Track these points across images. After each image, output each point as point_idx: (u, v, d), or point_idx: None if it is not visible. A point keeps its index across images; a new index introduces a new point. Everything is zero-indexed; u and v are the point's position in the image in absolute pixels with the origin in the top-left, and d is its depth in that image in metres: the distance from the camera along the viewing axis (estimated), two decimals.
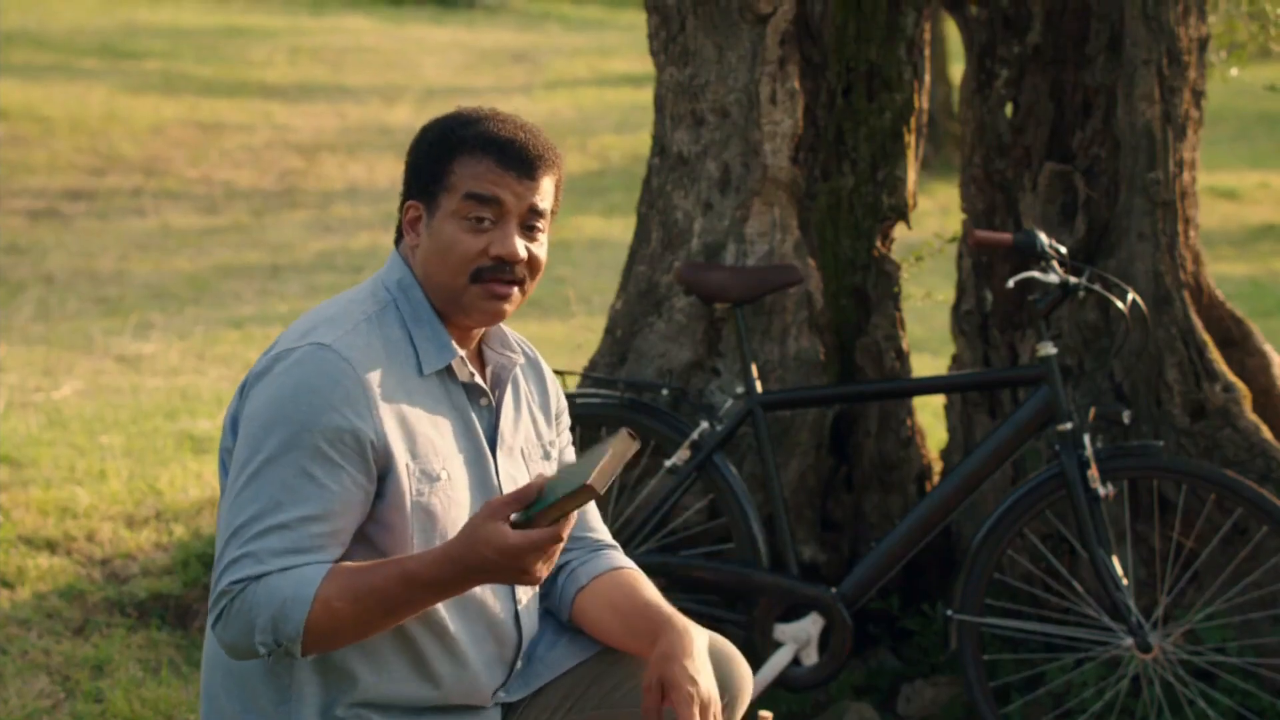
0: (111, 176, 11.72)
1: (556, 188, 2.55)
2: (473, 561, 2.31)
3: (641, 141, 5.45)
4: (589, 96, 15.84)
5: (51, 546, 4.60)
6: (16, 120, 12.79)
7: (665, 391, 4.05)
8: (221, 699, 2.50)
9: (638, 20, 17.41)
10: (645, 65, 5.08)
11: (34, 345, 7.38)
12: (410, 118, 14.40)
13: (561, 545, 2.32)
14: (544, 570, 2.33)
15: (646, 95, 4.79)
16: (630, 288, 4.27)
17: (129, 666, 4.05)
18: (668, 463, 3.95)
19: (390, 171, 12.59)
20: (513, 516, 2.29)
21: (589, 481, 2.21)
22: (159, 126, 13.11)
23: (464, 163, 2.48)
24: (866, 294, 4.28)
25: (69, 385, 6.59)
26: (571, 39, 19.90)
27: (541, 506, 2.28)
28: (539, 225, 2.51)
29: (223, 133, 13.19)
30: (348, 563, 2.38)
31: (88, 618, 4.28)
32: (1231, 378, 4.12)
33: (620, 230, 9.66)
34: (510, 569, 2.31)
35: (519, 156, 2.48)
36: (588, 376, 4.16)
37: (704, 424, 3.94)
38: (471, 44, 18.78)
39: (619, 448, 2.27)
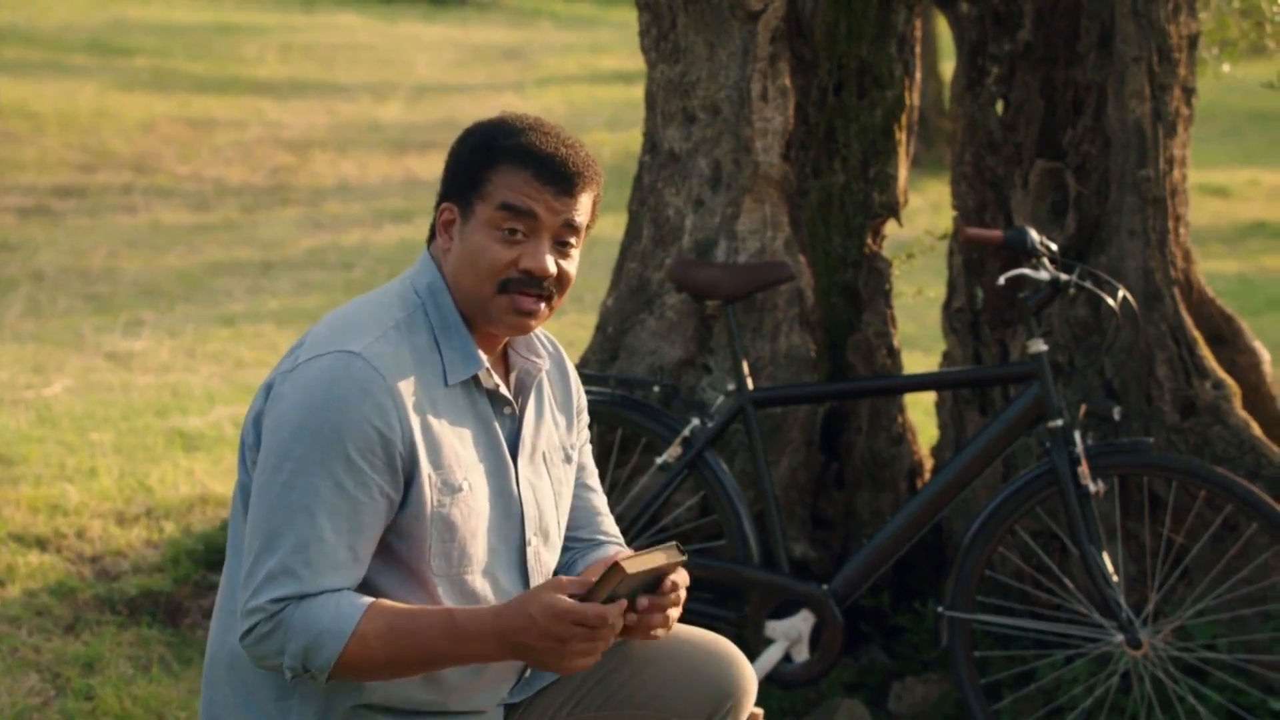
0: (102, 173, 11.70)
1: (594, 204, 2.53)
2: (520, 623, 2.31)
3: (633, 139, 5.44)
4: (580, 93, 15.84)
5: (42, 544, 4.60)
6: (7, 117, 12.77)
7: (656, 388, 4.05)
8: (224, 690, 2.49)
9: (629, 17, 17.40)
10: (636, 62, 5.08)
11: (24, 342, 7.37)
12: (401, 115, 14.39)
13: (608, 636, 2.31)
14: (583, 656, 2.31)
15: (638, 92, 4.79)
16: (621, 285, 4.27)
17: (119, 664, 4.04)
18: (659, 460, 3.95)
19: (381, 168, 12.58)
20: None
21: (618, 561, 2.27)
22: (150, 123, 13.09)
23: (502, 172, 2.45)
24: (857, 291, 4.28)
25: (59, 382, 6.58)
26: (563, 36, 19.90)
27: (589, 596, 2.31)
28: (572, 241, 2.50)
29: (214, 129, 13.17)
30: (388, 601, 2.37)
31: (78, 615, 4.27)
32: (1221, 375, 4.13)
33: (611, 227, 9.64)
34: (550, 635, 2.29)
35: (558, 172, 2.45)
36: (579, 373, 4.15)
37: (695, 421, 3.94)
38: (463, 41, 18.77)
39: (667, 556, 2.32)
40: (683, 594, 2.43)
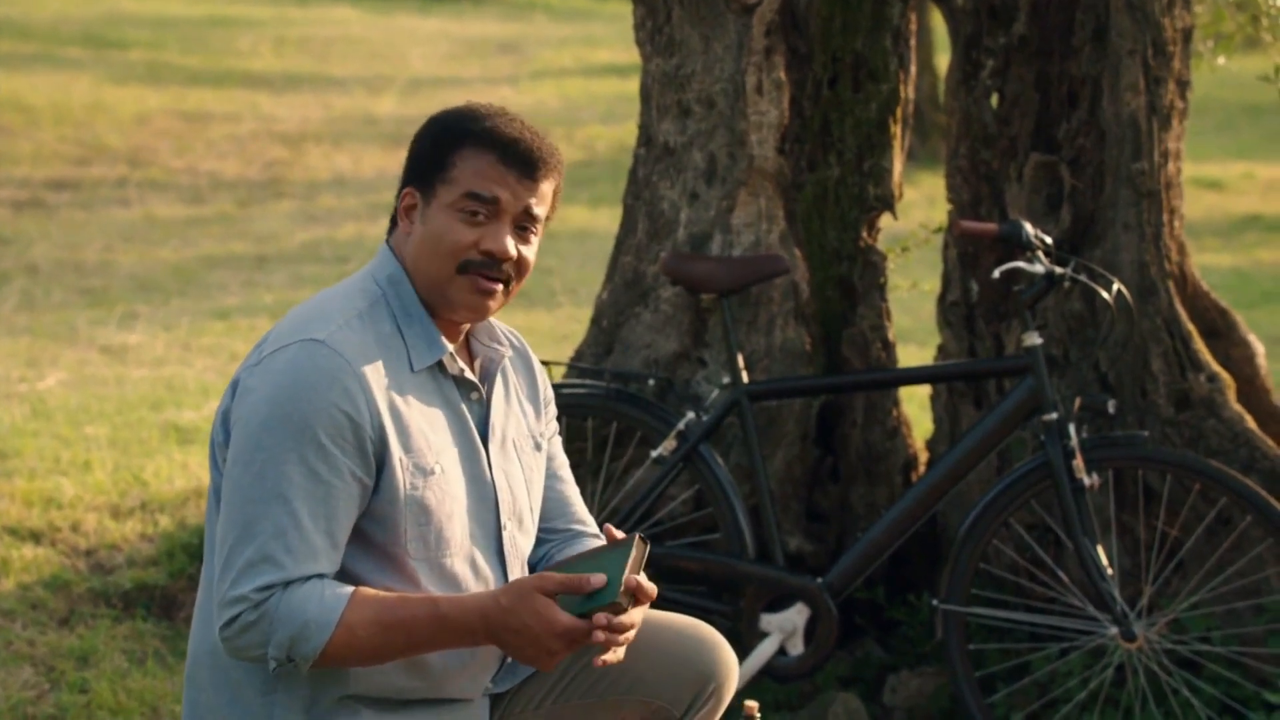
0: (96, 167, 11.68)
1: (555, 193, 2.55)
2: (511, 623, 2.35)
3: (628, 132, 5.43)
4: (575, 87, 15.83)
5: (36, 537, 4.59)
6: (1, 110, 12.75)
7: (651, 382, 4.05)
8: (207, 689, 2.49)
9: (623, 10, 17.43)
10: (631, 55, 5.08)
11: (18, 336, 7.36)
12: (396, 108, 14.38)
13: (583, 644, 2.38)
14: (558, 660, 2.39)
15: (632, 86, 4.78)
16: (616, 278, 4.27)
17: (114, 657, 4.04)
18: (654, 453, 3.95)
19: (376, 162, 12.57)
20: (559, 598, 2.36)
21: (618, 600, 2.35)
22: (144, 116, 13.08)
23: (466, 156, 2.47)
24: (852, 284, 4.28)
25: (53, 376, 6.58)
26: (557, 29, 19.89)
27: (580, 609, 2.36)
28: (532, 227, 2.52)
29: (208, 123, 13.16)
30: (371, 590, 2.39)
31: (73, 608, 4.27)
32: (1216, 368, 4.13)
33: (606, 221, 9.65)
34: (540, 646, 2.35)
35: (522, 157, 2.47)
36: (574, 367, 4.15)
37: (690, 414, 3.94)
38: (458, 34, 18.76)
39: (636, 554, 2.38)
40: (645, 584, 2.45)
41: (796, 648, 3.89)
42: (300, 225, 10.61)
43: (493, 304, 2.52)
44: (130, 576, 4.42)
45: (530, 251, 2.52)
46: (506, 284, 2.51)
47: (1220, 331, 4.30)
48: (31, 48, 15.48)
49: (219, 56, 16.13)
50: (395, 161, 12.57)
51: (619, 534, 2.47)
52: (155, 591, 4.39)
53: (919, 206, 9.82)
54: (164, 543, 4.62)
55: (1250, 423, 4.09)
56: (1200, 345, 4.14)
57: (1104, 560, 3.77)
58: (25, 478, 4.98)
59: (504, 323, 2.71)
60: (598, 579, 2.36)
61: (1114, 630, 3.79)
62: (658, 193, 4.20)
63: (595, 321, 4.29)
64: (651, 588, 2.42)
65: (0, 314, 7.87)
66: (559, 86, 15.81)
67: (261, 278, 9.07)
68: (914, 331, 7.30)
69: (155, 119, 13.07)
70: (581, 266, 8.97)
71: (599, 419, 4.09)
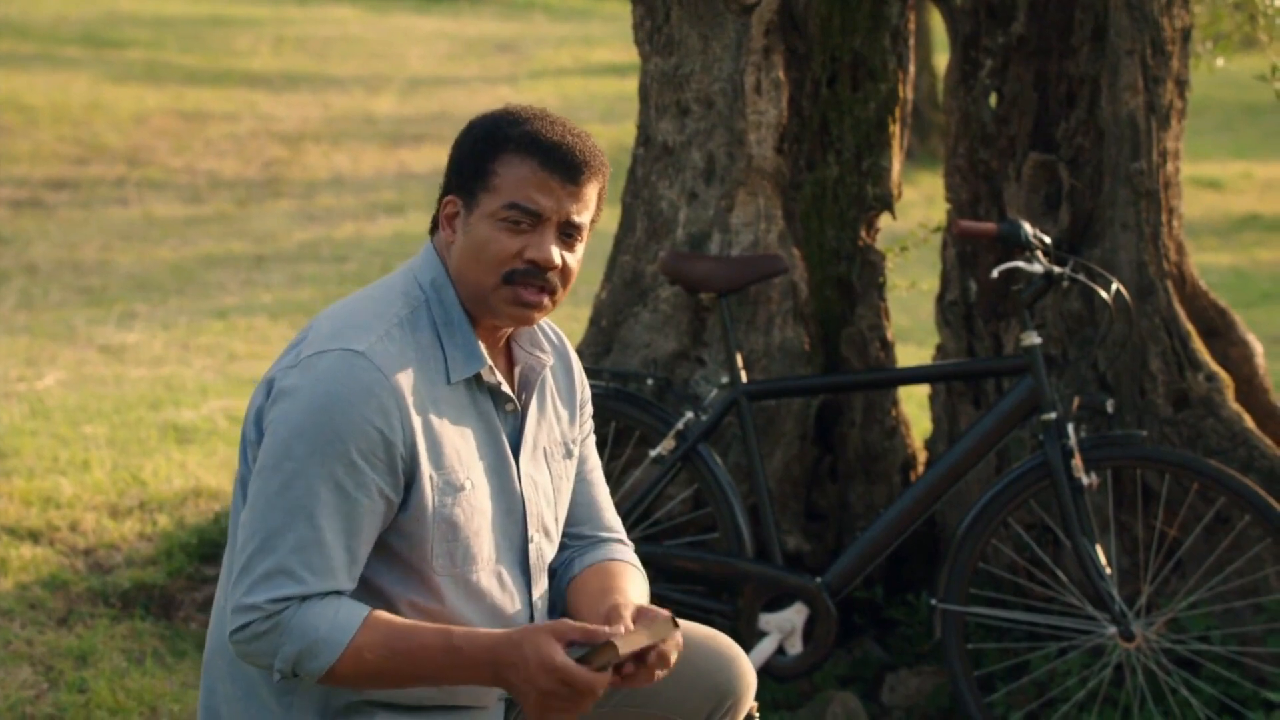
0: (95, 166, 11.68)
1: (599, 196, 2.50)
2: (513, 657, 2.31)
3: (626, 131, 5.43)
4: (574, 86, 15.83)
5: (35, 537, 4.59)
6: (0, 110, 12.75)
7: (650, 381, 4.05)
8: (224, 683, 2.48)
9: (622, 10, 17.39)
10: (630, 55, 5.07)
11: (17, 335, 7.36)
12: (394, 108, 14.38)
13: (589, 702, 2.32)
14: (558, 712, 2.32)
15: (631, 85, 4.78)
16: (615, 278, 4.27)
17: (113, 657, 4.04)
18: (652, 453, 3.95)
19: (374, 161, 12.57)
20: (572, 648, 2.31)
21: (613, 640, 2.30)
22: (143, 116, 13.08)
23: (507, 163, 2.42)
24: (851, 284, 4.28)
25: (52, 375, 6.58)
26: (556, 28, 19.89)
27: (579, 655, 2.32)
28: (576, 233, 2.47)
29: (207, 122, 13.16)
30: (384, 614, 2.36)
31: (71, 608, 4.27)
32: (1215, 367, 4.13)
33: (606, 220, 9.63)
34: (533, 684, 2.30)
35: (564, 161, 2.42)
36: None
37: (689, 414, 3.94)
38: (456, 34, 18.76)
39: (660, 631, 2.34)
40: (674, 658, 2.41)
41: (795, 647, 3.89)
42: (299, 225, 10.61)
43: (538, 314, 2.47)
44: (129, 576, 4.42)
45: (575, 258, 2.47)
46: (552, 294, 2.46)
47: (1219, 331, 4.30)
48: (30, 47, 15.48)
49: (218, 56, 16.13)
50: (394, 161, 12.61)
51: (663, 612, 2.41)
52: (154, 591, 4.39)
53: (918, 206, 9.82)
54: (163, 542, 4.62)
55: (1249, 422, 4.09)
56: (1199, 345, 4.14)
57: (1102, 559, 3.77)
58: (24, 477, 4.98)
59: None
60: (612, 632, 2.32)
61: (1112, 629, 3.79)
62: (656, 192, 4.20)
63: (594, 321, 4.29)
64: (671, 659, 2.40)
65: None
66: (557, 86, 15.81)
67: (260, 277, 9.07)
68: (913, 331, 7.31)
69: (154, 118, 13.07)
70: (581, 266, 8.97)
71: (598, 419, 4.08)
